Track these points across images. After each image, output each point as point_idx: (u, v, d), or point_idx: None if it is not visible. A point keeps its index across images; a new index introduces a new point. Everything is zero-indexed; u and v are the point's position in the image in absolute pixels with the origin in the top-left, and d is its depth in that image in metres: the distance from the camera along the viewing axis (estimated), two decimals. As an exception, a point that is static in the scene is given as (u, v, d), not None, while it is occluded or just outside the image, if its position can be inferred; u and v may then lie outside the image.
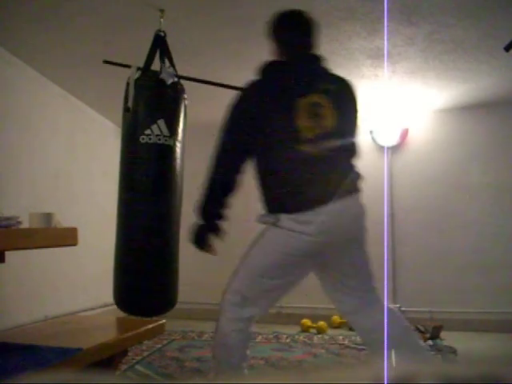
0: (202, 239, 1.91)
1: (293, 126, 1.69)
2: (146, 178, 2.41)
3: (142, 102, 2.41)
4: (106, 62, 2.67)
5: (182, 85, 2.53)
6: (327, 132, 1.72)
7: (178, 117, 2.45)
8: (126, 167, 2.45)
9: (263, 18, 2.92)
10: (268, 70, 1.81)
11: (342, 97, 1.82)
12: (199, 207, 1.88)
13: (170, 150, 2.39)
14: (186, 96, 2.55)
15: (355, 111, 1.86)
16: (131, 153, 2.43)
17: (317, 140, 1.69)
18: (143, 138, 2.35)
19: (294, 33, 1.87)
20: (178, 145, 2.45)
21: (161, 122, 2.35)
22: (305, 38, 1.85)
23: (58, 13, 2.86)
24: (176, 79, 2.46)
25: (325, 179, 1.71)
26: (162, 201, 2.42)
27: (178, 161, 2.46)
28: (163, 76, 2.40)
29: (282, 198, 1.77)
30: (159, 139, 2.34)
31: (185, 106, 2.51)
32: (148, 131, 2.35)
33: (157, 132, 2.34)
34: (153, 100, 2.41)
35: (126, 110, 2.44)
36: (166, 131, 2.36)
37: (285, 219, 1.75)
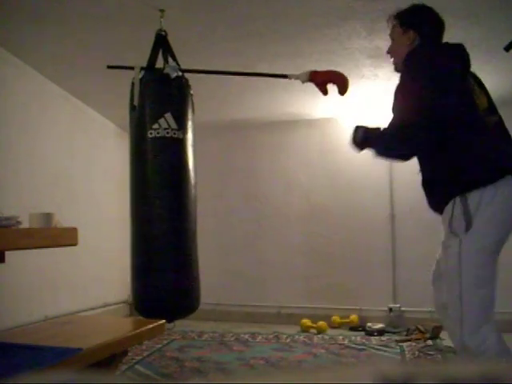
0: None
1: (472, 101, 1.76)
2: (158, 171, 2.38)
3: (147, 98, 2.41)
4: (110, 67, 2.67)
5: (186, 79, 2.52)
6: (487, 108, 1.84)
7: (185, 110, 2.44)
8: (136, 164, 2.43)
9: (262, 17, 2.92)
10: (441, 46, 1.91)
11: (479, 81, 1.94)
12: (377, 136, 1.84)
13: (180, 142, 2.37)
14: (192, 92, 2.54)
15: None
16: (141, 149, 2.41)
17: (487, 114, 1.80)
18: (151, 133, 2.34)
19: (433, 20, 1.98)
20: (188, 137, 2.43)
21: (168, 116, 2.34)
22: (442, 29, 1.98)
23: (58, 13, 2.86)
24: (180, 73, 2.46)
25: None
26: (177, 193, 2.40)
27: (189, 153, 2.44)
28: (167, 71, 2.41)
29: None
30: (167, 132, 2.33)
31: (191, 99, 2.50)
32: (156, 125, 2.34)
33: (164, 126, 2.33)
34: (158, 95, 2.41)
35: (133, 108, 2.44)
36: (173, 124, 2.34)
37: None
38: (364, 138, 1.86)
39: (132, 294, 2.46)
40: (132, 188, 2.46)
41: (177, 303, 2.42)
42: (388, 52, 2.05)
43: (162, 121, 2.33)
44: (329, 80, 2.39)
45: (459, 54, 1.86)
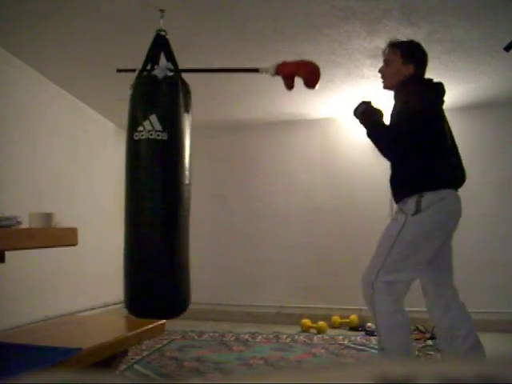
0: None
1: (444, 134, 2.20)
2: (144, 173, 2.42)
3: (136, 101, 2.44)
4: (120, 70, 2.67)
5: (180, 78, 2.51)
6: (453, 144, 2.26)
7: (174, 110, 2.42)
8: (127, 165, 2.50)
9: (262, 18, 2.93)
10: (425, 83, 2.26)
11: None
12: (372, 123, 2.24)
13: (164, 144, 2.38)
14: (188, 89, 2.53)
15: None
16: (128, 151, 2.47)
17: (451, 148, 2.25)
18: (136, 135, 2.37)
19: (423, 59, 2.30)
20: (176, 138, 2.42)
21: (153, 118, 2.35)
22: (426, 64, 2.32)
23: (58, 13, 2.86)
24: (170, 73, 2.45)
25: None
26: (164, 195, 2.42)
27: (178, 155, 2.43)
28: (155, 73, 2.41)
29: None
30: (151, 134, 2.34)
31: (185, 99, 2.49)
32: (140, 128, 2.36)
33: (148, 128, 2.35)
34: (144, 97, 2.43)
35: (128, 112, 2.49)
36: (158, 126, 2.35)
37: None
38: (362, 114, 2.24)
39: (124, 293, 2.47)
40: (125, 190, 2.49)
41: (166, 303, 2.44)
42: (380, 72, 2.33)
43: (146, 123, 2.35)
44: (295, 73, 2.28)
45: (440, 91, 2.24)
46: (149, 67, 2.51)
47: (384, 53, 2.32)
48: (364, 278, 2.24)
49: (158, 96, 2.40)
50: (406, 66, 2.22)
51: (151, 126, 2.35)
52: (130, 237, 2.45)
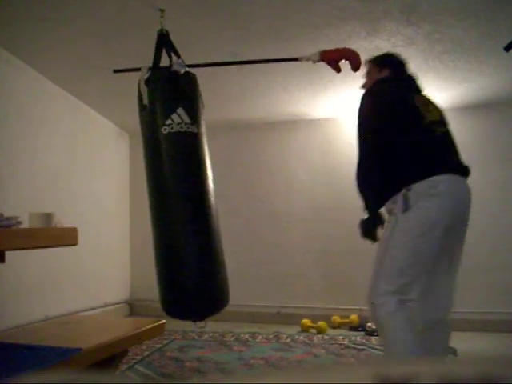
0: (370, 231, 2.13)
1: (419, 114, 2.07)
2: (176, 167, 2.32)
3: (157, 97, 2.37)
4: (116, 71, 2.66)
5: (194, 74, 2.50)
6: (438, 121, 2.09)
7: (197, 104, 2.40)
8: (153, 163, 2.37)
9: (263, 18, 2.93)
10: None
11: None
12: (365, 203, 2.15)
13: (195, 136, 2.34)
14: (199, 85, 2.52)
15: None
16: (156, 147, 2.35)
17: (436, 125, 2.07)
18: (165, 129, 2.29)
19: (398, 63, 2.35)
20: (202, 131, 2.40)
21: (180, 111, 2.30)
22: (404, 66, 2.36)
23: (59, 13, 2.86)
24: (187, 68, 2.46)
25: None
26: (196, 188, 2.34)
27: (205, 147, 2.42)
28: (175, 68, 2.40)
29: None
30: (181, 127, 2.30)
31: (200, 94, 2.49)
32: (169, 121, 2.29)
33: (178, 120, 2.29)
34: (168, 92, 2.36)
35: (143, 108, 2.42)
36: (187, 119, 2.30)
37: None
38: (364, 234, 2.18)
39: (160, 297, 2.37)
40: (149, 187, 2.40)
41: (204, 303, 2.33)
42: (363, 87, 2.39)
43: (174, 116, 2.29)
44: (341, 57, 2.42)
45: (409, 83, 2.25)
46: (157, 64, 2.50)
47: (365, 71, 2.41)
48: (368, 297, 1.99)
49: (182, 90, 2.36)
50: (381, 71, 2.30)
51: (180, 119, 2.30)
52: (160, 236, 2.35)
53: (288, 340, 3.56)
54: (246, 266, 4.38)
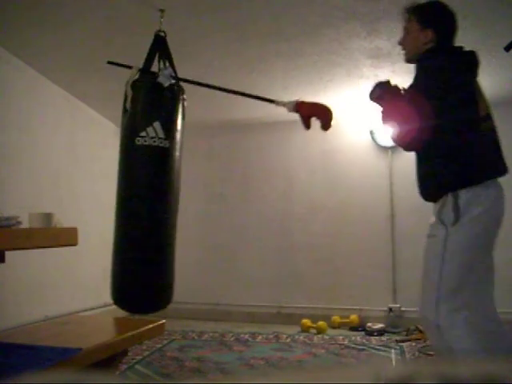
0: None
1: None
2: (142, 179, 2.41)
3: (139, 104, 2.42)
4: (110, 62, 2.66)
5: (180, 86, 2.52)
6: (486, 114, 1.92)
7: (175, 119, 2.45)
8: (123, 169, 2.46)
9: (263, 17, 2.93)
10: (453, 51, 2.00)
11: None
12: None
13: (166, 152, 2.39)
14: (185, 97, 2.55)
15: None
16: (128, 154, 2.44)
17: (485, 120, 1.90)
18: (138, 140, 2.36)
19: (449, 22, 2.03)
20: (175, 147, 2.45)
21: (156, 125, 2.36)
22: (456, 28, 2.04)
23: (59, 13, 2.86)
24: (173, 81, 2.45)
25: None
26: (159, 203, 2.43)
27: (175, 163, 2.47)
28: (160, 80, 2.40)
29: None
30: (154, 141, 2.35)
31: (183, 107, 2.51)
32: (143, 133, 2.35)
33: (152, 134, 2.35)
34: (149, 103, 2.42)
35: (124, 110, 2.45)
36: (161, 133, 2.36)
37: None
38: (379, 96, 1.94)
39: (111, 288, 2.47)
40: (118, 190, 2.47)
41: (150, 297, 2.45)
42: (400, 43, 2.08)
43: (150, 129, 2.36)
44: (313, 114, 2.36)
45: (471, 62, 1.97)
46: (148, 68, 2.50)
47: (403, 19, 2.05)
48: (424, 318, 1.90)
49: (162, 103, 2.41)
50: (423, 32, 1.95)
51: (155, 133, 2.35)
52: (119, 239, 2.46)
53: (288, 340, 3.56)
54: (246, 265, 4.38)
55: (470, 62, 1.96)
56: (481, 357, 1.72)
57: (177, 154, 2.47)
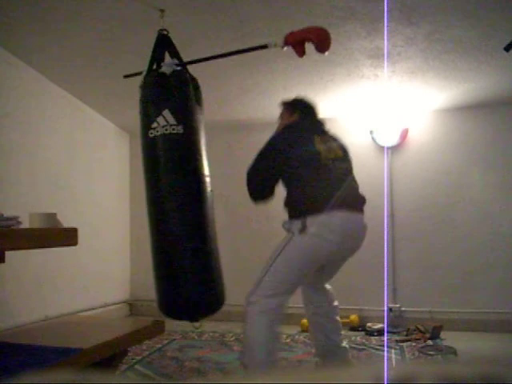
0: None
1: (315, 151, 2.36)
2: (164, 169, 2.32)
3: (147, 100, 2.38)
4: (126, 76, 2.64)
5: (187, 72, 2.48)
6: (340, 157, 2.45)
7: (185, 103, 2.36)
8: (145, 166, 2.39)
9: (263, 17, 2.92)
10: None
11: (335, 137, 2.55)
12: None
13: (181, 137, 2.31)
14: (197, 83, 2.49)
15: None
16: (144, 150, 2.37)
17: (337, 162, 2.40)
18: (151, 133, 2.29)
19: (306, 107, 2.60)
20: (191, 131, 2.36)
21: (166, 113, 2.28)
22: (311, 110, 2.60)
23: (59, 13, 2.86)
24: (177, 68, 2.43)
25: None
26: (187, 190, 2.36)
27: (193, 146, 2.38)
28: (163, 69, 2.39)
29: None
30: (166, 129, 2.27)
31: (196, 92, 2.44)
32: (154, 124, 2.28)
33: (163, 123, 2.27)
34: (156, 94, 2.37)
35: (140, 112, 2.42)
36: (172, 120, 2.27)
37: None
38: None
39: (157, 298, 2.40)
40: (146, 190, 2.41)
41: (200, 303, 2.41)
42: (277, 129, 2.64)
43: (159, 119, 2.28)
44: (304, 38, 2.20)
45: (315, 127, 2.49)
46: (155, 67, 2.49)
47: (280, 113, 2.68)
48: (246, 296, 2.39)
49: (169, 91, 2.33)
50: (292, 115, 2.56)
51: (165, 121, 2.27)
52: (157, 244, 2.38)
53: (288, 340, 3.55)
54: (246, 265, 4.38)
55: (315, 126, 2.52)
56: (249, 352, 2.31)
57: (195, 138, 2.39)
